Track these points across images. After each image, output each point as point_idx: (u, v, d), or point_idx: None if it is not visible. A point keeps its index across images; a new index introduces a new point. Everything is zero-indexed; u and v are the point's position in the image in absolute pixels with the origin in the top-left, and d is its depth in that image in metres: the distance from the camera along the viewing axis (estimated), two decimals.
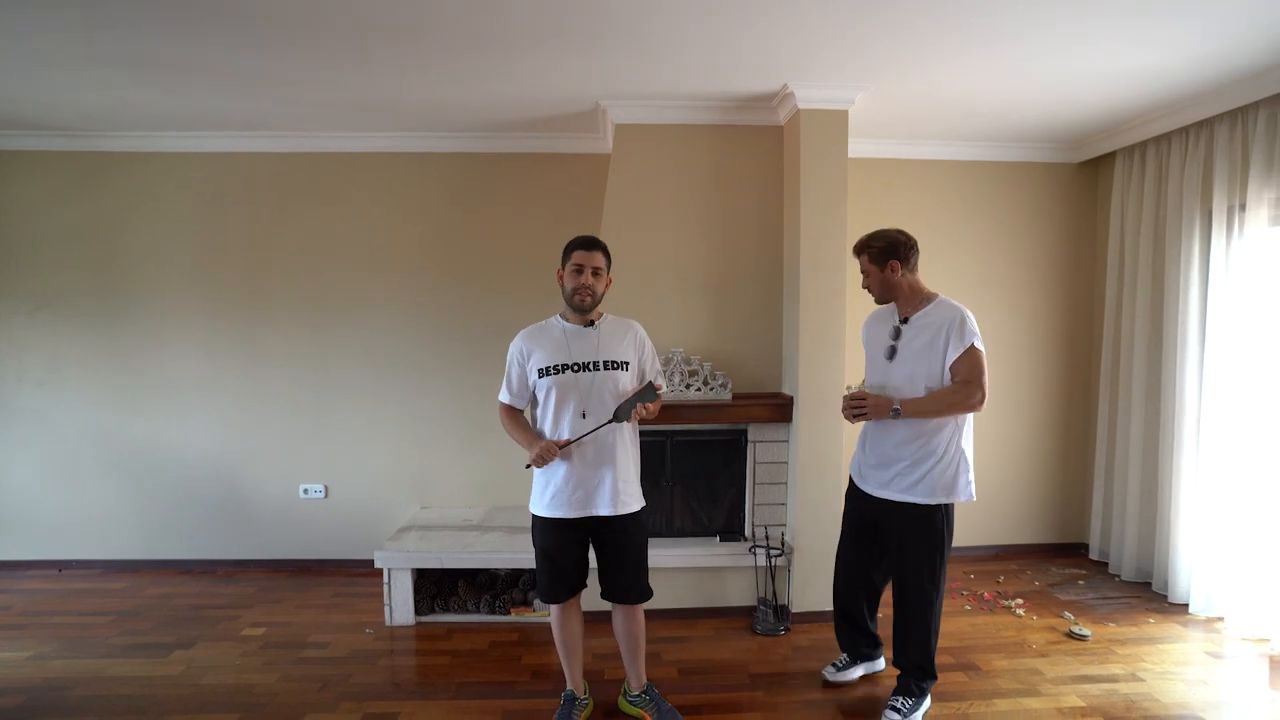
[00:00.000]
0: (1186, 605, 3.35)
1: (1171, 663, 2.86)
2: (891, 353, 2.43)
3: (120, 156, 3.77)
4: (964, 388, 2.32)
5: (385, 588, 3.22)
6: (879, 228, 2.50)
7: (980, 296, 3.98)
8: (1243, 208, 3.10)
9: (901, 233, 2.45)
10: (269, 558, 3.94)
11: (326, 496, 3.94)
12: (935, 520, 2.39)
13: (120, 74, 2.87)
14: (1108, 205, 3.94)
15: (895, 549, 2.48)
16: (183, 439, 3.88)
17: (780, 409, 3.27)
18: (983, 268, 4.02)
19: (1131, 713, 2.50)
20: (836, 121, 3.14)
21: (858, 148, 3.67)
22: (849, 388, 2.46)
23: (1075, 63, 2.78)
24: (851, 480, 2.64)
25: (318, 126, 3.65)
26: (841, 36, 2.57)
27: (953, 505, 2.41)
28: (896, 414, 2.34)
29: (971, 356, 2.31)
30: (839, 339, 3.17)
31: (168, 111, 3.37)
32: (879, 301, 2.52)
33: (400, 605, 3.23)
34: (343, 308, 3.88)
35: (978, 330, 2.33)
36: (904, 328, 2.43)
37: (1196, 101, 3.17)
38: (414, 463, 3.94)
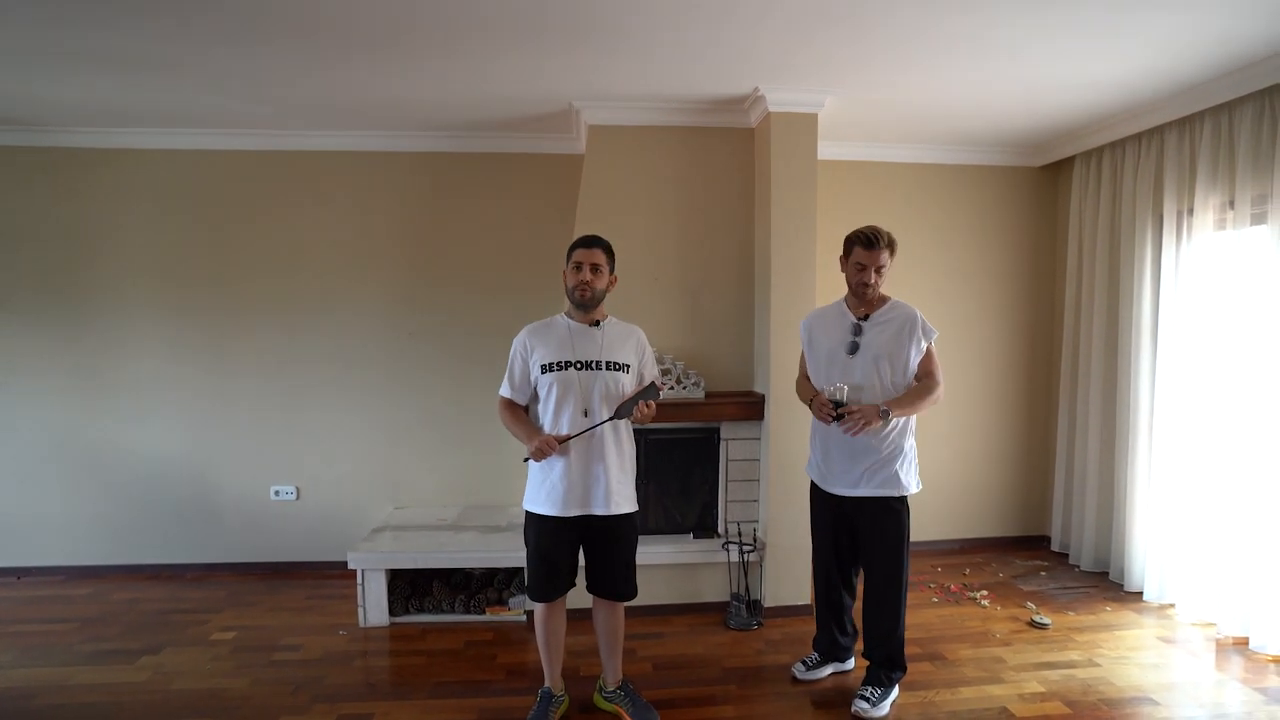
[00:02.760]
0: (1141, 593, 3.48)
1: (1126, 648, 2.98)
2: (854, 348, 2.49)
3: (81, 152, 3.68)
4: (929, 380, 2.47)
5: (359, 589, 3.20)
6: (869, 225, 2.48)
7: (945, 296, 4.09)
8: (1190, 212, 3.23)
9: None
10: (239, 561, 3.88)
11: (298, 498, 3.89)
12: (903, 512, 2.49)
13: (85, 69, 2.81)
14: (1067, 208, 4.07)
15: (868, 544, 2.54)
16: (148, 440, 3.81)
17: (752, 407, 3.32)
18: (947, 268, 4.12)
19: (1088, 696, 2.60)
20: (806, 124, 3.20)
21: (827, 150, 3.74)
22: (837, 388, 2.43)
23: (1033, 70, 2.88)
24: (815, 485, 2.66)
25: (287, 125, 3.60)
26: (809, 43, 2.63)
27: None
28: (885, 415, 2.35)
29: (931, 353, 2.48)
30: None
31: (132, 107, 3.31)
32: (859, 296, 2.49)
33: (374, 606, 3.21)
34: (314, 307, 3.84)
35: (932, 328, 2.49)
36: (865, 324, 2.50)
37: (1149, 109, 3.29)
38: (387, 463, 3.92)
